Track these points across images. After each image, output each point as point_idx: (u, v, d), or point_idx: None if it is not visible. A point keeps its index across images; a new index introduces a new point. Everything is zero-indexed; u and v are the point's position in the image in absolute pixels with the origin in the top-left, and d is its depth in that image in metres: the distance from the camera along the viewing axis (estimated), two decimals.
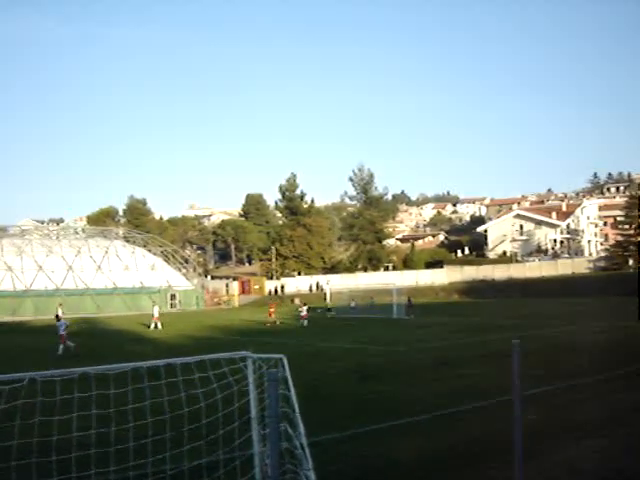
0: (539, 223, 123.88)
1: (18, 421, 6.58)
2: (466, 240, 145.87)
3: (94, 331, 49.79)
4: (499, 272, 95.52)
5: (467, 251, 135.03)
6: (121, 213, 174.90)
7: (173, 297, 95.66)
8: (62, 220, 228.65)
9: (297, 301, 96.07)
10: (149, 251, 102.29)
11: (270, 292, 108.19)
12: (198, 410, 7.25)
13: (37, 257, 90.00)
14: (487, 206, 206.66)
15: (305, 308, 50.15)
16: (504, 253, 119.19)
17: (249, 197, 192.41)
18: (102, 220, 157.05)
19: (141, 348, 33.63)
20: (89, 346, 36.20)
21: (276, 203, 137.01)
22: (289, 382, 6.33)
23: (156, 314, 53.40)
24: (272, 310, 52.84)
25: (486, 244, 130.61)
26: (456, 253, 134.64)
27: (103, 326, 54.89)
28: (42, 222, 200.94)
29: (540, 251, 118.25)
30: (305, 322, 48.05)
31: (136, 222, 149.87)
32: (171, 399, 7.16)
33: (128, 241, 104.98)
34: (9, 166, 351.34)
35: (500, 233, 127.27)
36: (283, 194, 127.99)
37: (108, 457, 6.94)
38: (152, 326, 51.09)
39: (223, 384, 7.26)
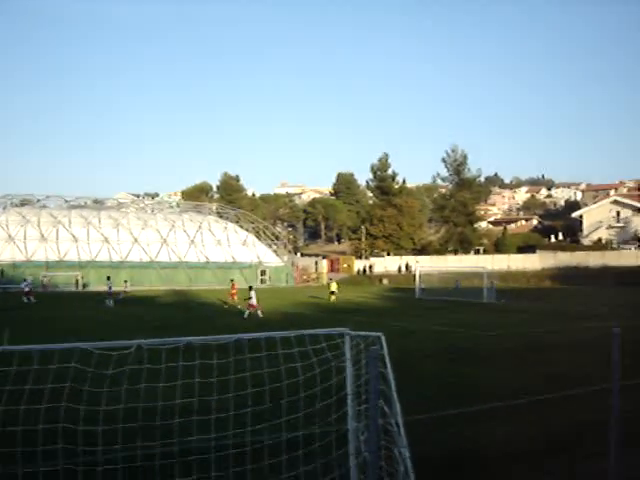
0: (637, 210, 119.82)
1: (125, 386, 6.86)
2: (560, 225, 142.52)
3: (189, 303, 50.96)
4: (593, 259, 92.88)
5: (561, 237, 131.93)
6: (215, 189, 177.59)
7: (263, 273, 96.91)
8: (157, 194, 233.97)
9: (385, 281, 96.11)
10: (241, 227, 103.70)
11: (359, 271, 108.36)
12: (296, 383, 7.40)
13: (133, 230, 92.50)
14: (583, 191, 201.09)
15: (254, 294, 38.99)
16: (599, 240, 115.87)
17: (340, 176, 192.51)
18: (196, 195, 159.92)
19: (234, 321, 34.25)
20: (185, 317, 37.16)
21: (367, 183, 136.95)
22: (386, 360, 6.39)
23: (110, 289, 50.85)
24: (234, 292, 47.29)
25: (581, 230, 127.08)
26: (549, 238, 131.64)
27: (196, 299, 55.95)
28: (138, 196, 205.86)
29: (637, 239, 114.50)
30: (247, 313, 37.59)
31: (229, 198, 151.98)
32: (271, 371, 7.33)
33: (221, 217, 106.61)
34: (107, 141, 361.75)
35: (596, 219, 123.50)
36: (374, 174, 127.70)
37: (209, 425, 7.16)
38: (109, 303, 47.61)
39: (321, 359, 7.38)
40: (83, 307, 45.75)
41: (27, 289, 51.80)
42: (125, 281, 67.27)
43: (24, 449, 6.81)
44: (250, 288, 40.26)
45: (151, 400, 7.23)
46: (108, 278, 56.05)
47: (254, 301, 38.51)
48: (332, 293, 53.69)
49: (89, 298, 55.24)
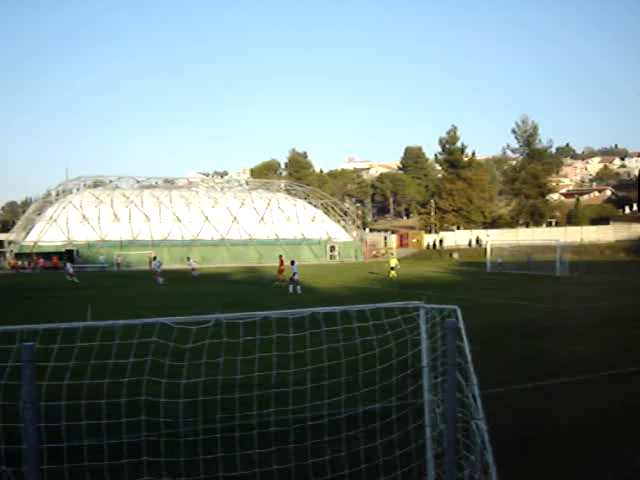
0: None
1: (204, 360, 7.00)
2: (635, 196, 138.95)
3: (260, 280, 51.50)
4: None
5: (635, 208, 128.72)
6: (283, 166, 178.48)
7: (333, 249, 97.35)
8: (226, 173, 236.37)
9: (455, 255, 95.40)
10: (310, 203, 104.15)
11: (428, 246, 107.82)
12: (372, 356, 7.45)
13: (204, 208, 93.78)
14: None
15: (296, 269, 38.90)
16: None
17: (408, 150, 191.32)
18: (264, 173, 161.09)
19: (305, 296, 34.54)
20: (257, 293, 37.63)
21: (436, 156, 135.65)
22: (462, 333, 6.37)
23: (157, 268, 52.35)
24: (282, 268, 46.59)
25: None
26: (624, 210, 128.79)
27: (267, 275, 56.41)
28: (207, 175, 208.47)
29: None
30: (291, 288, 37.55)
31: (297, 175, 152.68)
32: (346, 345, 7.39)
33: (290, 193, 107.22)
34: (177, 121, 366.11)
35: None
36: (443, 147, 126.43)
37: (287, 397, 7.27)
38: (159, 281, 48.68)
39: (396, 332, 7.40)
40: (156, 284, 46.71)
41: (71, 270, 55.41)
42: (188, 258, 68.68)
43: (108, 421, 7.04)
44: (292, 263, 40.33)
45: (230, 373, 7.37)
46: (154, 258, 57.44)
47: (297, 276, 38.45)
48: (392, 269, 53.28)
49: (162, 276, 56.23)
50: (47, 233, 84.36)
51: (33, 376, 5.01)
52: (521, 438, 9.35)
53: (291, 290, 37.19)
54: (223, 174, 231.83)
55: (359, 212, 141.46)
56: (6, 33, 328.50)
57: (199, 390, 6.87)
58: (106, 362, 6.68)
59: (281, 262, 47.52)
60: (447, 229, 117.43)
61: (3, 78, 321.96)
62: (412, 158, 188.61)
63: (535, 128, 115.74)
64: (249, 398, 7.67)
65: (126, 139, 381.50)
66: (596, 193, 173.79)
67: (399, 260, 59.41)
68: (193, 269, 61.07)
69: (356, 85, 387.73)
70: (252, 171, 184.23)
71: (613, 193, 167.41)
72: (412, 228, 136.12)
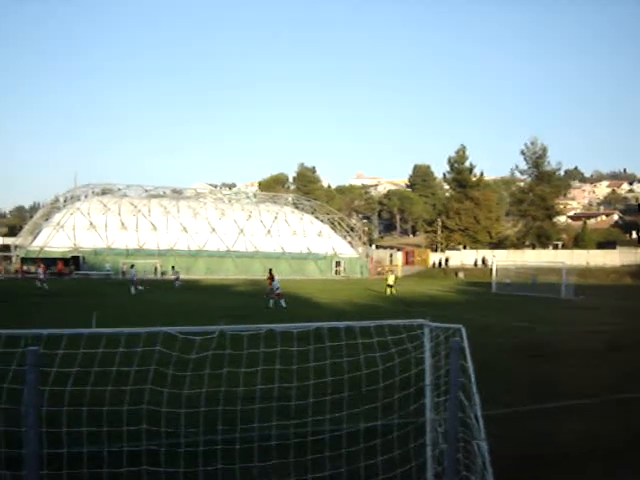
0: None
1: (207, 370, 7.00)
2: None
3: (262, 292, 51.43)
4: None
5: None
6: (291, 180, 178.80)
7: (338, 264, 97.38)
8: (234, 185, 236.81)
9: (461, 275, 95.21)
10: (316, 218, 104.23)
11: (434, 264, 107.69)
12: (375, 373, 7.43)
13: (211, 219, 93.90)
14: None
15: (277, 284, 39.70)
16: None
17: (416, 168, 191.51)
18: (272, 186, 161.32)
19: (309, 311, 34.51)
20: (261, 306, 37.59)
21: (444, 175, 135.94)
22: (466, 352, 6.36)
23: (133, 276, 53.01)
24: (270, 281, 45.37)
25: None
26: (630, 234, 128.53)
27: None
28: (215, 186, 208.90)
29: None
30: (271, 302, 37.88)
31: (305, 189, 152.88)
32: (350, 360, 7.37)
33: (297, 207, 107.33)
34: (186, 132, 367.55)
35: None
36: (452, 166, 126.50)
37: (289, 411, 7.25)
38: (133, 290, 48.96)
39: (400, 350, 7.38)
40: (162, 294, 46.70)
41: (41, 276, 56.66)
42: (172, 267, 68.82)
43: (109, 429, 7.02)
44: (273, 277, 40.81)
45: (232, 385, 7.37)
46: (132, 266, 57.67)
47: (279, 290, 38.81)
48: (390, 286, 52.83)
49: (167, 286, 56.22)
50: (54, 239, 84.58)
51: (37, 380, 5.02)
52: (522, 460, 9.29)
53: (283, 304, 37.31)
54: (231, 186, 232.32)
55: (365, 228, 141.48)
56: (7, 33, 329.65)
57: (201, 401, 6.86)
58: (109, 369, 6.69)
59: (271, 276, 48.07)
60: (453, 248, 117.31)
61: (14, 82, 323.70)
62: (420, 176, 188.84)
63: (544, 150, 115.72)
64: (251, 411, 7.67)
65: (136, 148, 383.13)
66: (603, 217, 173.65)
67: (397, 278, 58.86)
68: (176, 279, 60.94)
69: (367, 101, 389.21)
70: (260, 184, 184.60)
71: (620, 217, 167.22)
72: (418, 246, 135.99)
